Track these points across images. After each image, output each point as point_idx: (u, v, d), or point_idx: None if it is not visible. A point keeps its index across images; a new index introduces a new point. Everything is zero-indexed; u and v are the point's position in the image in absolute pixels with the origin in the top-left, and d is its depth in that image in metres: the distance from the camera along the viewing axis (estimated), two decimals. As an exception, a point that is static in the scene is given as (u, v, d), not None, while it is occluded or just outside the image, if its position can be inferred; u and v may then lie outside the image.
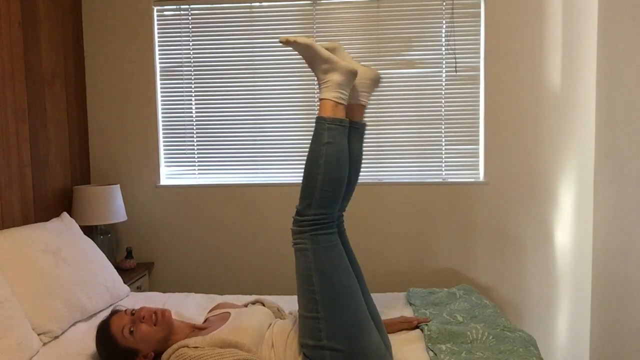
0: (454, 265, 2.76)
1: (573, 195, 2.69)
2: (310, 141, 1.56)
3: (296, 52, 2.73)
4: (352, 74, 1.53)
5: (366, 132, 1.73)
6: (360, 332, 1.45)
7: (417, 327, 1.82)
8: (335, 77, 1.52)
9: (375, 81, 1.64)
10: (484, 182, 2.73)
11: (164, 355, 1.45)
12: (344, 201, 1.63)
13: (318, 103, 2.74)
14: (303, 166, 2.79)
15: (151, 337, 1.51)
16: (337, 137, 1.50)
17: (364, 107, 1.66)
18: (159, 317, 1.54)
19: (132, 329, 1.50)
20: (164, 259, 2.89)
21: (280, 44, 1.69)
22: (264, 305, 1.87)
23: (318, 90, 1.68)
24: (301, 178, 2.80)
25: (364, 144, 1.74)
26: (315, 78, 1.65)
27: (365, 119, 1.69)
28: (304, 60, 1.62)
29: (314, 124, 1.54)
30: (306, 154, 2.77)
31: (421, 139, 2.76)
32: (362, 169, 1.83)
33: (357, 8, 2.73)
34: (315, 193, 1.47)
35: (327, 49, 1.66)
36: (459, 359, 1.54)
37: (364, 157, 1.96)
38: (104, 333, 1.53)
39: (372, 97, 1.77)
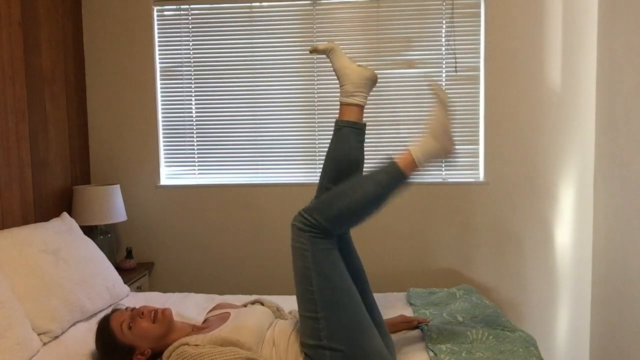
0: (454, 265, 2.76)
1: (573, 195, 2.69)
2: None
3: (295, 53, 2.75)
4: (446, 154, 1.54)
5: (366, 132, 1.72)
6: (361, 333, 1.44)
7: (417, 327, 1.82)
8: (434, 145, 1.52)
9: (372, 81, 1.64)
10: (484, 182, 2.73)
11: (165, 354, 1.45)
12: None
13: (319, 103, 2.76)
14: (304, 166, 2.81)
15: (149, 334, 1.52)
16: (389, 187, 1.49)
17: (361, 107, 1.65)
18: (159, 315, 1.55)
19: (130, 325, 1.51)
20: (164, 259, 2.89)
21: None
22: (263, 305, 1.87)
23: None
24: (301, 178, 2.82)
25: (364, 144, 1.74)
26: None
27: (365, 119, 1.69)
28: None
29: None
30: (306, 153, 2.79)
31: (421, 139, 2.76)
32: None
33: (357, 8, 2.73)
34: (333, 209, 1.46)
35: (323, 49, 1.66)
36: (459, 359, 1.54)
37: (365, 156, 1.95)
38: (104, 328, 1.54)
39: (372, 97, 1.76)
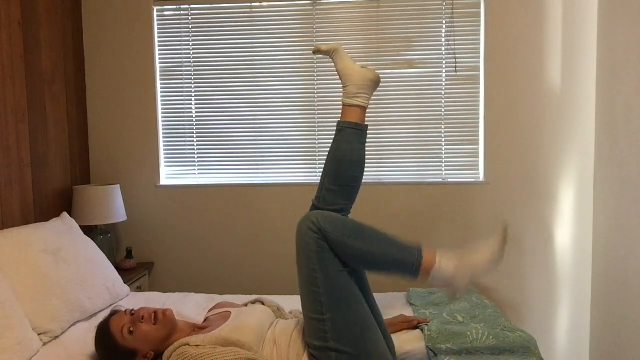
0: (454, 265, 2.76)
1: (573, 195, 2.69)
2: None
3: (295, 53, 2.75)
4: (451, 289, 1.48)
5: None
6: (367, 334, 1.44)
7: (417, 327, 1.82)
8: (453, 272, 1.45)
9: (375, 82, 1.64)
10: (484, 182, 2.73)
11: (165, 354, 1.45)
12: (349, 202, 1.63)
13: (319, 103, 2.76)
14: (304, 166, 2.81)
15: (151, 337, 1.51)
16: (397, 272, 1.49)
17: (364, 108, 1.65)
18: (160, 317, 1.54)
19: (131, 329, 1.50)
20: (164, 259, 2.88)
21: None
22: (263, 304, 1.87)
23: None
24: (301, 178, 2.81)
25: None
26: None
27: (365, 119, 1.69)
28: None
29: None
30: (306, 153, 2.79)
31: (421, 139, 2.76)
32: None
33: (357, 8, 2.73)
34: (343, 238, 1.45)
35: (326, 50, 1.66)
36: (459, 359, 1.54)
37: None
38: (104, 333, 1.53)
39: (371, 97, 1.76)
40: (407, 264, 1.44)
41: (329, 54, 1.67)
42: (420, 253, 1.46)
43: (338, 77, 1.66)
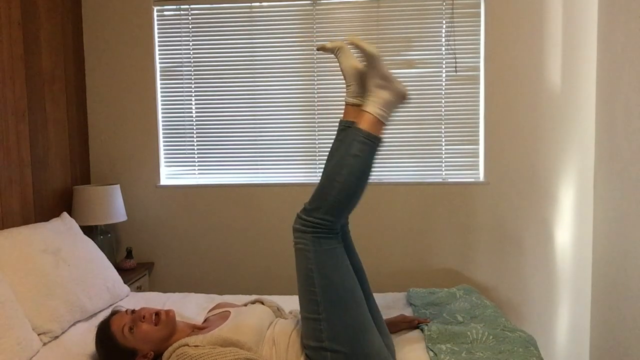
0: (454, 265, 2.76)
1: (573, 195, 2.69)
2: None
3: (296, 53, 2.75)
4: (402, 97, 1.55)
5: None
6: (362, 334, 1.44)
7: (417, 327, 1.82)
8: (385, 95, 1.52)
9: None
10: (484, 182, 2.73)
11: (165, 355, 1.45)
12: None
13: (319, 103, 2.76)
14: (304, 166, 2.81)
15: (152, 337, 1.51)
16: (367, 153, 1.48)
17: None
18: (162, 317, 1.54)
19: (132, 328, 1.50)
20: (164, 259, 2.89)
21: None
22: (263, 304, 1.87)
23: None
24: (301, 178, 2.82)
25: None
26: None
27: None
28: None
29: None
30: (306, 154, 2.79)
31: (421, 139, 2.76)
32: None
33: (357, 8, 2.73)
34: (329, 199, 1.46)
35: (331, 48, 1.65)
36: (459, 359, 1.55)
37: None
38: (104, 332, 1.53)
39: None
40: (366, 147, 1.48)
41: (334, 51, 1.66)
42: (361, 129, 1.49)
43: (339, 76, 1.66)
